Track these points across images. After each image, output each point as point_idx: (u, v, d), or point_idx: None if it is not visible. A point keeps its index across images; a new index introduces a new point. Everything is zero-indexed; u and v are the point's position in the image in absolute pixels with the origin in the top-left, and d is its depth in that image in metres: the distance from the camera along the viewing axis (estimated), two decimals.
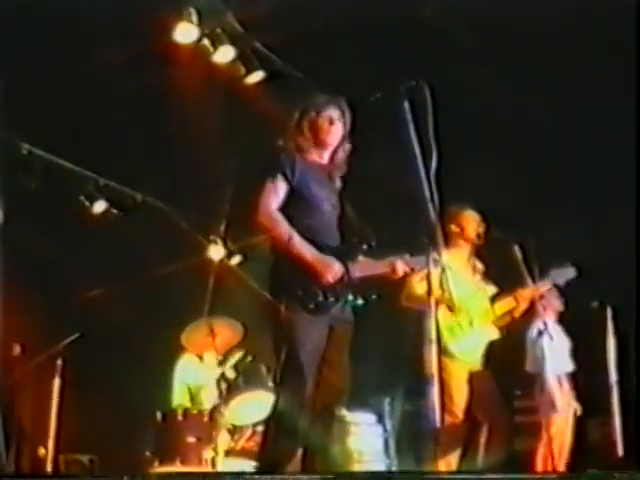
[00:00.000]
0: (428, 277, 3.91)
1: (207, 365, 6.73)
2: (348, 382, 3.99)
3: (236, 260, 8.16)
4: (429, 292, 3.92)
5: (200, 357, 6.76)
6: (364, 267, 3.96)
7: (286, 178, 3.88)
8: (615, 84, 6.02)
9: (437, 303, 4.85)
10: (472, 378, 5.33)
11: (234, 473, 5.52)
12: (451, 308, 5.28)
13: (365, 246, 3.97)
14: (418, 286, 5.01)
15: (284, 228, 3.82)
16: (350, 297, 3.91)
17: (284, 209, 3.88)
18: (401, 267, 4.01)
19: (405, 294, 5.27)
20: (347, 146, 4.11)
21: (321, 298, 3.78)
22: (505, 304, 5.57)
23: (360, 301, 3.98)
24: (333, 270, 3.80)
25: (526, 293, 5.56)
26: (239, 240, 7.83)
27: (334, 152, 4.09)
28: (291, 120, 4.06)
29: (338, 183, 4.12)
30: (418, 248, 3.99)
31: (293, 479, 3.66)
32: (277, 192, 3.87)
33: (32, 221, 7.59)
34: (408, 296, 5.23)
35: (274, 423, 3.84)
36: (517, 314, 5.62)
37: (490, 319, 5.49)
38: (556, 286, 5.94)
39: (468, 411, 5.27)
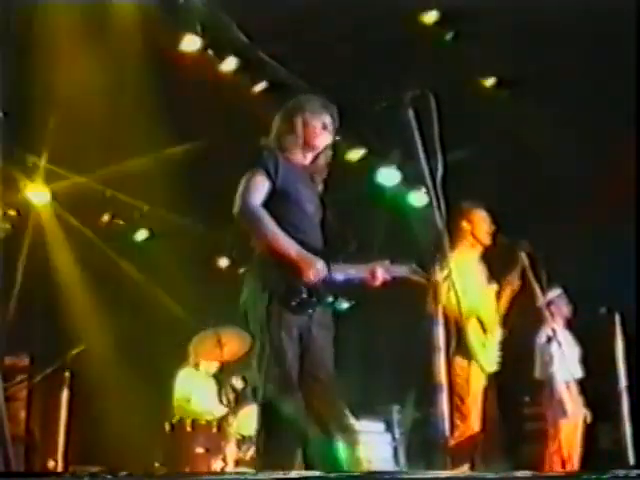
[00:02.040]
0: (434, 285, 3.90)
1: (207, 377, 6.73)
2: (335, 389, 3.87)
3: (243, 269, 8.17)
4: (436, 300, 3.91)
5: (198, 369, 6.76)
6: (344, 270, 3.88)
7: (269, 175, 3.82)
8: (615, 86, 6.03)
9: (463, 314, 4.79)
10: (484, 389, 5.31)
11: (235, 473, 5.52)
12: (481, 322, 5.26)
13: (349, 249, 3.93)
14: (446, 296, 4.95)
15: (268, 224, 3.75)
16: (331, 299, 3.82)
17: (269, 207, 3.80)
18: (381, 274, 3.94)
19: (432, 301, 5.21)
20: (329, 153, 4.07)
21: (305, 295, 3.70)
22: (508, 294, 5.52)
23: (344, 305, 3.93)
24: (316, 268, 3.72)
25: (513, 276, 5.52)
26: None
27: (316, 155, 4.04)
28: (282, 118, 4.02)
29: (320, 186, 4.07)
30: (425, 255, 3.98)
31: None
32: (260, 188, 3.80)
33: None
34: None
35: (266, 428, 3.73)
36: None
37: (498, 320, 5.47)
38: (565, 292, 5.94)
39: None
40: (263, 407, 3.73)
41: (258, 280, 3.79)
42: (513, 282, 5.51)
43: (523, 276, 5.52)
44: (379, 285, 3.96)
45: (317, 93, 4.28)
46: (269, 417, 3.69)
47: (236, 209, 3.79)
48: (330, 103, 4.09)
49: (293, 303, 3.70)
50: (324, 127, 3.99)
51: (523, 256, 5.46)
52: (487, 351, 5.31)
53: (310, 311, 3.75)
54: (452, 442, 5.00)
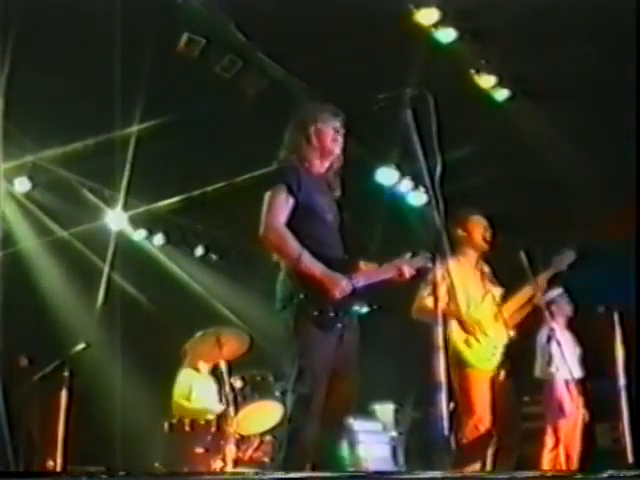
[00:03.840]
0: (434, 286, 3.91)
1: (206, 376, 6.74)
2: (355, 391, 3.99)
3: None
4: (436, 301, 3.92)
5: (197, 369, 6.76)
6: (370, 274, 3.96)
7: (291, 192, 3.87)
8: (616, 86, 6.03)
9: (447, 315, 4.84)
10: (493, 386, 5.30)
11: (234, 473, 5.53)
12: (462, 321, 5.26)
13: (368, 253, 3.98)
14: (428, 300, 4.98)
15: (293, 245, 3.81)
16: (357, 307, 3.92)
17: (293, 222, 3.87)
18: (407, 269, 4.00)
19: (416, 307, 5.24)
20: (341, 157, 4.14)
21: (332, 314, 3.79)
22: (522, 297, 5.48)
23: (365, 309, 3.97)
24: (341, 286, 3.80)
25: (540, 281, 5.48)
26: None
27: (331, 162, 4.11)
28: (295, 129, 4.07)
29: (338, 192, 4.13)
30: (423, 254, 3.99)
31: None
32: (283, 207, 3.86)
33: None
34: (420, 309, 5.20)
35: (286, 433, 3.81)
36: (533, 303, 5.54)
37: (501, 322, 5.46)
38: (565, 291, 5.94)
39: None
40: (291, 410, 3.78)
41: (287, 298, 3.85)
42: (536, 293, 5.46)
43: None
44: (407, 281, 4.02)
45: (316, 94, 4.30)
46: (296, 420, 3.75)
47: (261, 231, 3.86)
48: (338, 109, 4.14)
49: (321, 321, 3.77)
50: (336, 132, 4.06)
51: (522, 254, 5.45)
52: (475, 350, 5.27)
53: (339, 325, 3.83)
54: (464, 440, 5.02)
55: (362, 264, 4.00)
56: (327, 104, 4.19)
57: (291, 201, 3.88)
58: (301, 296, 3.78)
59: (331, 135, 4.04)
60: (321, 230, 3.92)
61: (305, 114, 4.13)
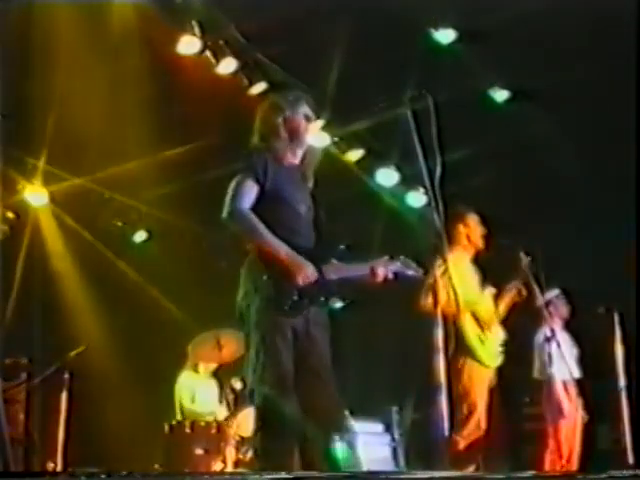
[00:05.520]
0: (434, 287, 3.91)
1: (206, 378, 6.73)
2: (335, 387, 3.86)
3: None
4: (435, 302, 3.92)
5: (198, 371, 6.75)
6: (341, 270, 3.88)
7: (257, 178, 3.81)
8: (615, 85, 6.03)
9: (459, 309, 4.83)
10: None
11: (233, 473, 5.52)
12: (476, 314, 5.32)
13: (341, 247, 3.91)
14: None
15: (257, 226, 3.74)
16: (324, 299, 3.82)
17: (260, 210, 3.79)
18: (381, 271, 3.93)
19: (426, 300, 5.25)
20: (317, 148, 4.12)
21: (296, 297, 3.70)
22: (510, 299, 5.60)
23: (338, 304, 3.91)
24: (305, 272, 3.72)
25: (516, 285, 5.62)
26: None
27: (305, 153, 4.03)
28: (263, 119, 4.00)
29: (311, 182, 4.05)
30: (423, 254, 3.99)
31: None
32: (248, 192, 3.79)
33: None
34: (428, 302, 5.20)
35: (263, 430, 3.73)
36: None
37: (497, 320, 5.54)
38: (564, 292, 5.95)
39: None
40: (259, 409, 3.73)
41: (250, 283, 3.79)
42: (517, 290, 5.57)
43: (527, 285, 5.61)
44: (381, 282, 3.94)
45: (315, 94, 4.28)
46: (265, 419, 3.69)
47: (224, 214, 3.78)
48: (302, 92, 4.09)
49: (285, 306, 3.70)
50: (307, 119, 3.99)
51: (523, 257, 5.49)
52: (486, 346, 5.36)
53: (303, 312, 3.75)
54: (462, 443, 5.04)
55: (334, 261, 3.89)
56: (294, 90, 4.12)
57: (256, 188, 3.80)
58: (264, 277, 3.71)
59: (302, 124, 3.96)
60: (291, 219, 3.84)
61: (272, 103, 4.05)
